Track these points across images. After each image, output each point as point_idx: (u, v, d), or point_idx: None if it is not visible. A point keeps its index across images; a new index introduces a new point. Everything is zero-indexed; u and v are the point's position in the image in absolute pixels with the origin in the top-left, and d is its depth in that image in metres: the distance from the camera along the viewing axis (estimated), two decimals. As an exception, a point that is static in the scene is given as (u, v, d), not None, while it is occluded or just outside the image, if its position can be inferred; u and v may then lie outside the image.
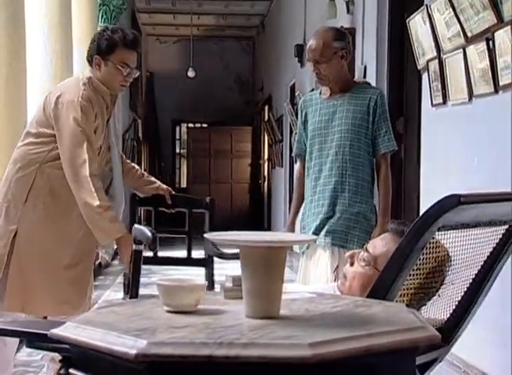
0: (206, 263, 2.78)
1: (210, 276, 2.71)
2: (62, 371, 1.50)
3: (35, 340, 1.89)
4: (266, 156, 12.56)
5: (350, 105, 3.07)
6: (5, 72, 4.07)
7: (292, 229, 3.20)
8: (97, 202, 2.57)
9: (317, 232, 3.06)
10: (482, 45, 3.28)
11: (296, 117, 3.59)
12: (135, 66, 2.78)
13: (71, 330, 1.31)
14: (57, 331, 1.33)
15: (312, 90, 3.38)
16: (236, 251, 2.63)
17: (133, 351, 1.16)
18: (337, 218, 3.03)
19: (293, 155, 3.44)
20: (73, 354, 1.35)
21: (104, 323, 1.33)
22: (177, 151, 15.24)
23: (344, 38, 3.14)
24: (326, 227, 3.04)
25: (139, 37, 2.82)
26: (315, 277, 3.04)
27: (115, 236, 2.65)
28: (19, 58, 4.22)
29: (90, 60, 2.77)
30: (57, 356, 1.90)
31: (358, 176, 3.03)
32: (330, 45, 3.04)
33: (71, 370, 1.35)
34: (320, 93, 3.19)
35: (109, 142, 2.79)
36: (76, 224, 2.65)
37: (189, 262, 3.27)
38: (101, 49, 2.71)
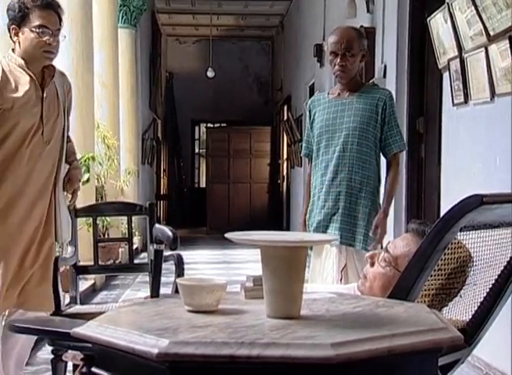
0: (150, 268, 2.71)
1: (156, 282, 2.60)
2: (83, 369, 1.52)
3: (57, 338, 1.90)
4: (285, 156, 12.54)
5: (358, 103, 3.07)
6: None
7: (305, 229, 3.20)
8: None
9: (319, 227, 3.06)
10: (505, 44, 3.24)
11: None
12: (57, 29, 2.53)
13: (93, 329, 1.32)
14: (79, 330, 1.34)
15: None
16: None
17: (155, 351, 1.17)
18: (341, 214, 3.03)
19: (301, 155, 3.45)
20: (95, 352, 1.35)
21: (126, 322, 1.34)
22: (196, 150, 15.28)
23: (365, 39, 3.17)
24: (332, 225, 3.04)
25: None
26: (322, 276, 3.04)
27: None
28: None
29: (10, 33, 2.57)
30: (79, 354, 1.92)
31: (364, 173, 3.04)
32: (358, 41, 3.06)
33: (93, 369, 1.36)
34: (328, 93, 3.21)
35: (50, 118, 2.59)
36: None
37: (131, 268, 3.22)
38: (15, 17, 2.50)
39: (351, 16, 6.14)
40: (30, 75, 2.55)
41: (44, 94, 2.57)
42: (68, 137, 2.81)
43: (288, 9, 12.07)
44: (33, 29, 2.48)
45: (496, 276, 1.75)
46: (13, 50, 2.58)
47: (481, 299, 1.76)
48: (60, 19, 2.56)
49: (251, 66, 14.36)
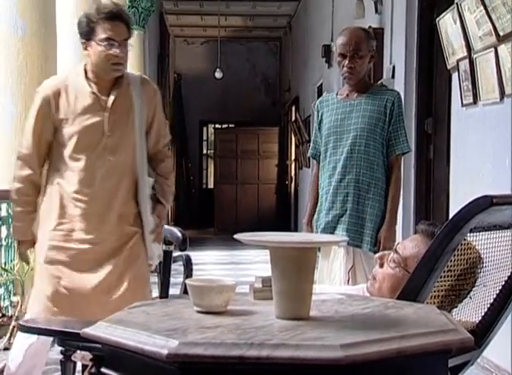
0: (159, 269, 2.66)
1: (165, 283, 2.50)
2: (92, 370, 1.52)
3: (67, 339, 1.91)
4: (293, 157, 12.53)
5: (366, 104, 3.07)
6: (37, 74, 4.13)
7: (309, 230, 3.19)
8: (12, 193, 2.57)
9: (326, 228, 3.06)
10: (514, 44, 3.23)
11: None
12: (124, 39, 2.50)
13: (103, 330, 1.32)
14: (89, 330, 1.34)
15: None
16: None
17: (165, 351, 1.17)
18: (348, 216, 3.03)
19: (308, 155, 3.44)
20: (105, 353, 1.36)
21: (136, 322, 1.34)
22: (204, 151, 15.29)
23: (374, 40, 3.17)
24: (340, 226, 3.04)
25: (119, 7, 2.54)
26: (330, 278, 3.04)
27: (15, 236, 2.62)
28: (51, 60, 4.28)
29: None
30: (88, 355, 1.93)
31: (372, 175, 3.03)
32: (367, 42, 3.05)
33: (102, 369, 1.36)
34: (336, 94, 3.20)
35: (115, 131, 2.55)
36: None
37: None
38: (83, 32, 2.52)
39: (359, 17, 6.13)
40: (92, 87, 2.55)
41: (108, 105, 2.55)
42: (161, 152, 2.71)
43: (296, 10, 12.07)
44: (100, 42, 2.48)
45: (506, 278, 1.75)
46: (86, 65, 2.59)
47: (491, 301, 1.75)
48: (128, 28, 2.53)
49: (259, 66, 14.36)
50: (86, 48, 2.53)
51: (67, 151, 2.54)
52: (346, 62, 3.02)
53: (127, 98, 2.58)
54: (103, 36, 2.47)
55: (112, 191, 2.54)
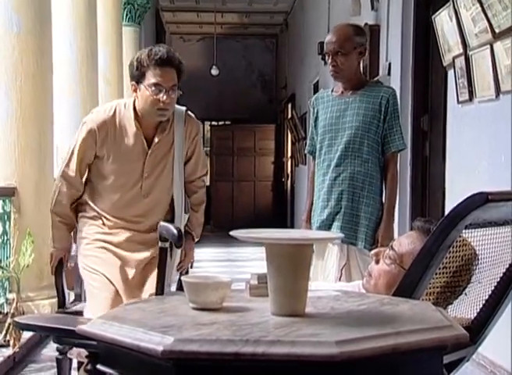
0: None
1: (161, 279, 2.52)
2: (88, 367, 1.52)
3: (63, 336, 1.91)
4: (289, 154, 12.54)
5: (361, 102, 3.06)
6: (32, 69, 4.13)
7: (308, 227, 3.20)
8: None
9: (322, 226, 3.06)
10: (510, 41, 3.23)
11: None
12: (172, 85, 2.49)
13: (98, 327, 1.32)
14: (84, 327, 1.34)
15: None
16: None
17: (160, 348, 1.17)
18: (343, 213, 3.03)
19: (305, 152, 3.45)
20: (100, 350, 1.36)
21: (131, 319, 1.34)
22: (200, 148, 15.28)
23: (364, 35, 3.14)
24: (334, 224, 3.04)
25: (171, 52, 2.52)
26: (323, 275, 3.04)
27: (53, 243, 2.67)
28: (46, 57, 4.27)
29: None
30: (83, 352, 1.92)
31: (367, 172, 3.03)
32: (351, 39, 3.04)
33: (98, 366, 1.36)
34: (332, 90, 3.20)
35: (152, 172, 2.60)
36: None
37: None
38: (133, 74, 2.52)
39: (356, 14, 6.12)
40: (138, 128, 2.57)
41: (150, 151, 2.59)
42: (195, 183, 2.77)
43: (292, 7, 12.06)
44: (148, 87, 2.48)
45: (501, 274, 1.75)
46: (135, 101, 2.59)
47: (486, 297, 1.76)
48: (179, 73, 2.53)
49: (255, 63, 14.35)
50: (135, 91, 2.54)
51: (105, 183, 2.61)
52: (329, 60, 3.03)
53: (169, 139, 2.62)
54: (152, 81, 2.47)
55: (144, 227, 2.63)
